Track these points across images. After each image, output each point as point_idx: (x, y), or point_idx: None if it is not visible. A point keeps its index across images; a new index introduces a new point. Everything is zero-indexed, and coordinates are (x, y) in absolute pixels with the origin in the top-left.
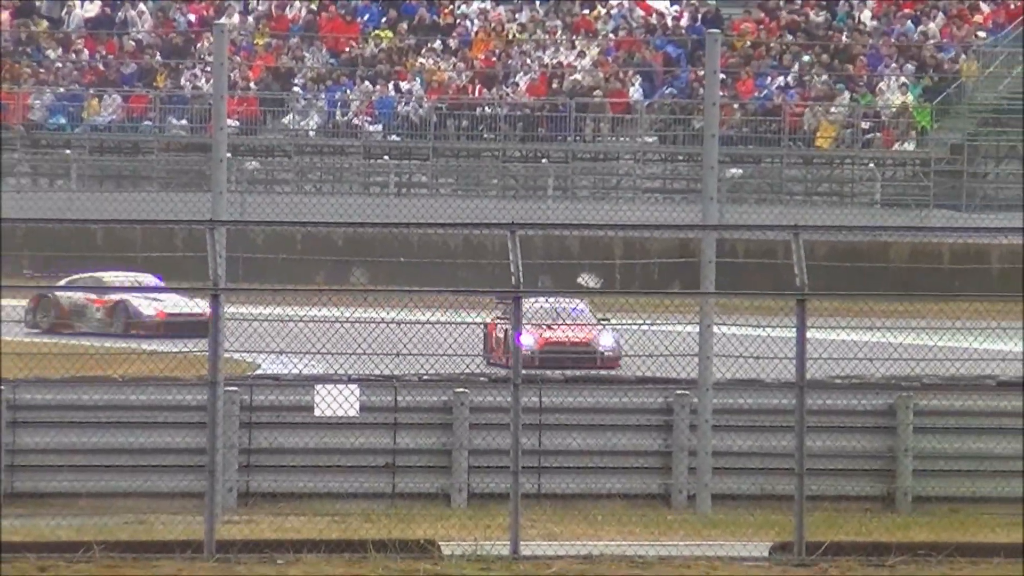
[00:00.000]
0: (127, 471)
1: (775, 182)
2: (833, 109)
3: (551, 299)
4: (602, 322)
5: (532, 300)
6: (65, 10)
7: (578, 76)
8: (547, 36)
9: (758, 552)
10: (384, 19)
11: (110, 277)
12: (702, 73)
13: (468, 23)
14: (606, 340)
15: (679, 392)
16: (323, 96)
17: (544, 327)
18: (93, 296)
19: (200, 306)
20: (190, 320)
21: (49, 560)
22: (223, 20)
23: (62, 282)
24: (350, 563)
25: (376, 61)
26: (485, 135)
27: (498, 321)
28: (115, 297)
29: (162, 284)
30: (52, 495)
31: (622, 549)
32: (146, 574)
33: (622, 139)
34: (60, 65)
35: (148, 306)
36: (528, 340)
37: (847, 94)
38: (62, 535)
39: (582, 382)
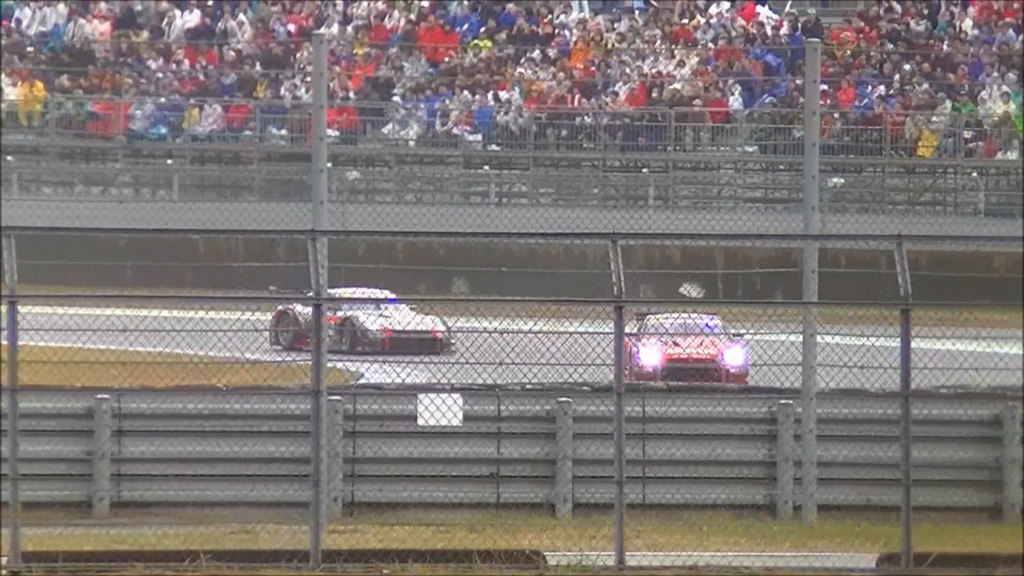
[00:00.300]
0: (232, 480)
1: (877, 191)
2: (934, 118)
3: (684, 315)
4: (734, 337)
5: (663, 316)
6: (165, 21)
7: (677, 85)
8: (646, 45)
9: (864, 563)
10: (483, 29)
11: (345, 293)
12: (802, 82)
13: (567, 32)
14: (734, 357)
15: (783, 402)
16: (422, 106)
17: (671, 343)
18: (331, 315)
19: (428, 323)
20: (416, 337)
21: (156, 569)
22: (322, 30)
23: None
24: (455, 573)
25: (475, 71)
26: (585, 144)
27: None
28: (342, 314)
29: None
30: (158, 504)
31: (727, 560)
32: None
33: (722, 148)
34: (160, 75)
35: (374, 323)
36: (652, 356)
37: (948, 103)
38: (169, 544)
39: (685, 391)
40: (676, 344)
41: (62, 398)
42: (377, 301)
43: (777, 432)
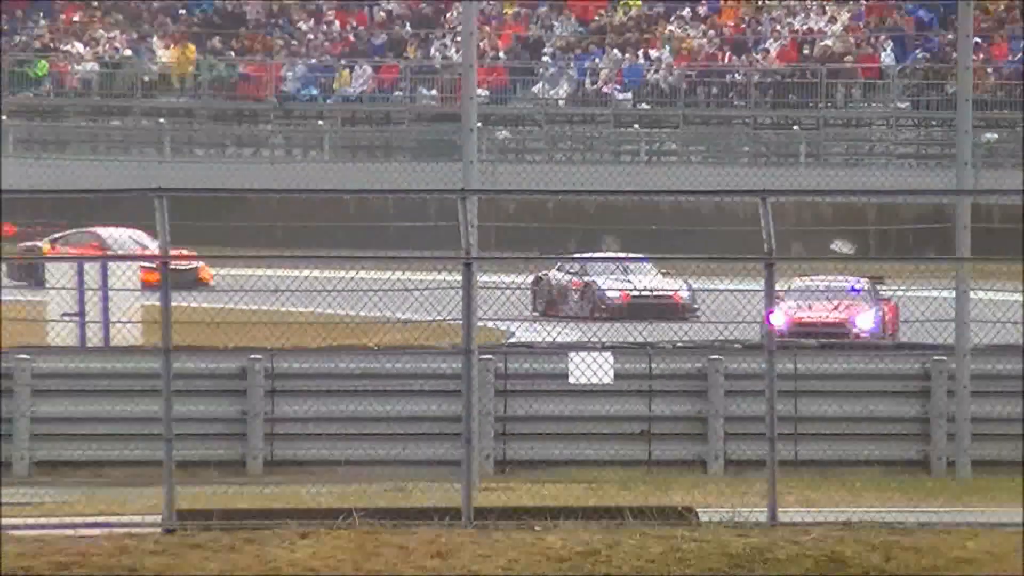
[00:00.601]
0: (384, 439)
1: None
2: None
3: (831, 277)
4: (878, 300)
5: (810, 277)
6: None
7: (829, 41)
8: (797, 2)
9: (1018, 518)
10: None
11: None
12: (954, 37)
13: None
14: (864, 322)
15: (936, 358)
16: (572, 65)
17: (804, 306)
18: (575, 279)
19: (666, 284)
20: (655, 303)
21: (310, 526)
22: None
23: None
24: (607, 530)
25: (625, 29)
26: (735, 102)
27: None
28: (588, 278)
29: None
30: (311, 463)
31: (881, 515)
32: (405, 540)
33: (874, 104)
34: (311, 37)
35: (614, 288)
36: (778, 319)
37: None
38: (322, 502)
39: (837, 348)
40: (809, 307)
41: (216, 358)
42: (584, 259)
43: (930, 388)
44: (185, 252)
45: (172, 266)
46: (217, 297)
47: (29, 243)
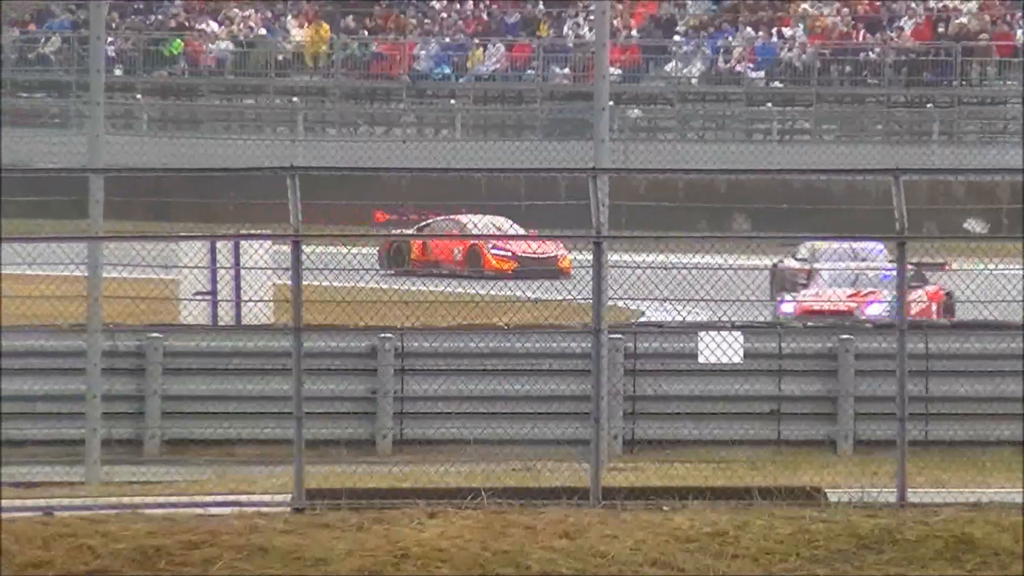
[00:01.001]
0: (513, 418)
1: None
2: None
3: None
4: (912, 285)
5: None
6: None
7: (963, 19)
8: None
9: None
10: None
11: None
12: None
13: None
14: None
15: None
16: (706, 43)
17: (819, 293)
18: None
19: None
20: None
21: (439, 505)
22: None
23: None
24: (735, 510)
25: (758, 7)
26: (869, 80)
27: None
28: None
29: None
30: (440, 442)
31: (1011, 496)
32: (533, 520)
33: (1009, 83)
34: (444, 15)
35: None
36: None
37: None
38: (450, 481)
39: (970, 328)
40: (817, 296)
41: (346, 337)
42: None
43: None
44: (548, 241)
45: (531, 255)
46: (348, 276)
47: (397, 231)
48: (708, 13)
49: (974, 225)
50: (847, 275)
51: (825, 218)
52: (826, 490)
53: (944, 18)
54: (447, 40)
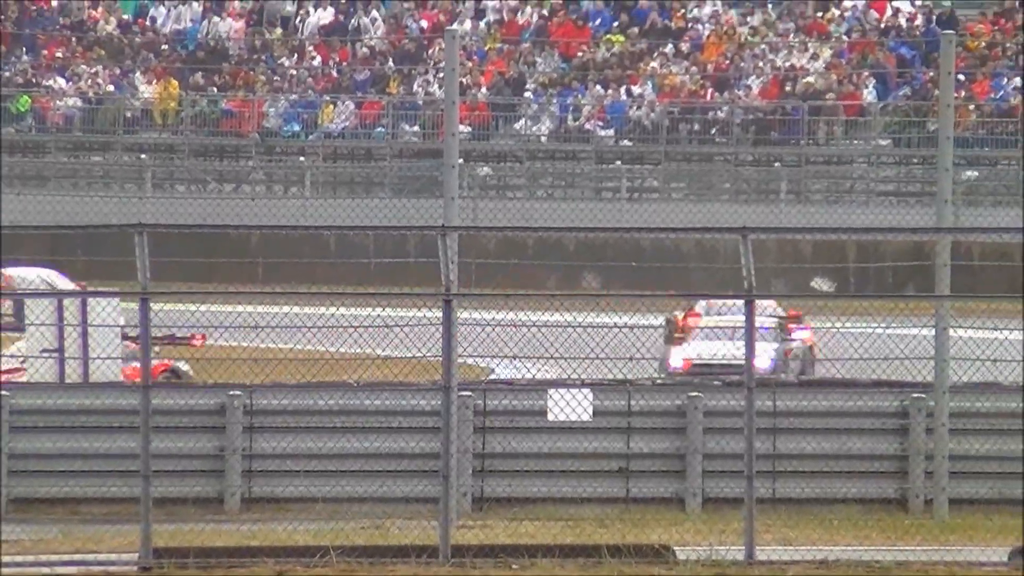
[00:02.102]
0: (363, 476)
1: (1011, 184)
2: None
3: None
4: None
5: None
6: (299, 18)
7: (811, 79)
8: (779, 39)
9: (997, 557)
10: (615, 24)
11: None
12: (936, 75)
13: (700, 27)
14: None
15: (915, 396)
16: (555, 101)
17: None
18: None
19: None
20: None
21: (287, 564)
22: (455, 26)
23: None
24: (584, 568)
25: (607, 65)
26: (717, 139)
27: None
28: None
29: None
30: (289, 500)
31: (858, 554)
32: None
33: (856, 142)
34: (294, 72)
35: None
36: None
37: None
38: (299, 540)
39: (816, 386)
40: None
41: (194, 394)
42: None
43: (909, 426)
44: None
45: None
46: (196, 333)
47: None
48: (557, 71)
49: (821, 283)
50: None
51: (676, 276)
52: (675, 548)
53: (792, 77)
54: (296, 97)
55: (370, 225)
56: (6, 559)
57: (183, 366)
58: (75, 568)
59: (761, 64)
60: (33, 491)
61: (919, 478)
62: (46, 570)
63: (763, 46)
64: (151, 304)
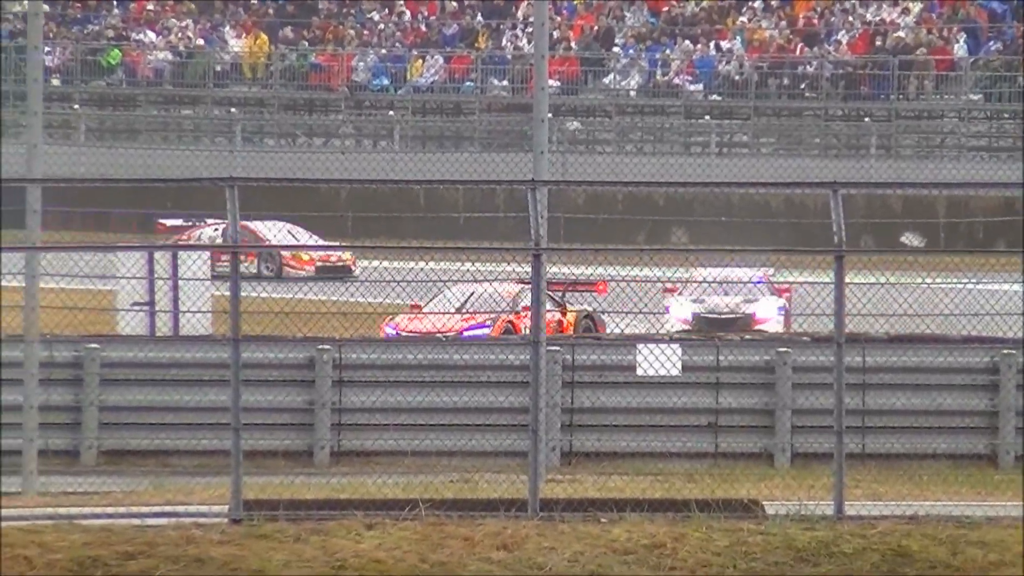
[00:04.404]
0: (452, 430)
1: None
2: None
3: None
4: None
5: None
6: None
7: (901, 33)
8: None
9: None
10: None
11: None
12: None
13: None
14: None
15: (1006, 351)
16: (644, 56)
17: (698, 301)
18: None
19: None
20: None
21: (376, 517)
22: None
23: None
24: (673, 522)
25: (696, 20)
26: (806, 94)
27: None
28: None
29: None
30: (378, 453)
31: (948, 509)
32: (470, 531)
33: (946, 97)
34: (383, 26)
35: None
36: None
37: None
38: (388, 493)
39: (907, 342)
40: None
41: (284, 348)
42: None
43: (999, 382)
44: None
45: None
46: (287, 287)
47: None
48: (646, 26)
49: (911, 239)
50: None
51: (764, 231)
52: (763, 503)
53: (882, 32)
54: (385, 51)
55: (459, 180)
56: (98, 510)
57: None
58: (166, 520)
59: (851, 18)
60: (124, 443)
61: (1010, 434)
62: (137, 521)
63: (853, 0)
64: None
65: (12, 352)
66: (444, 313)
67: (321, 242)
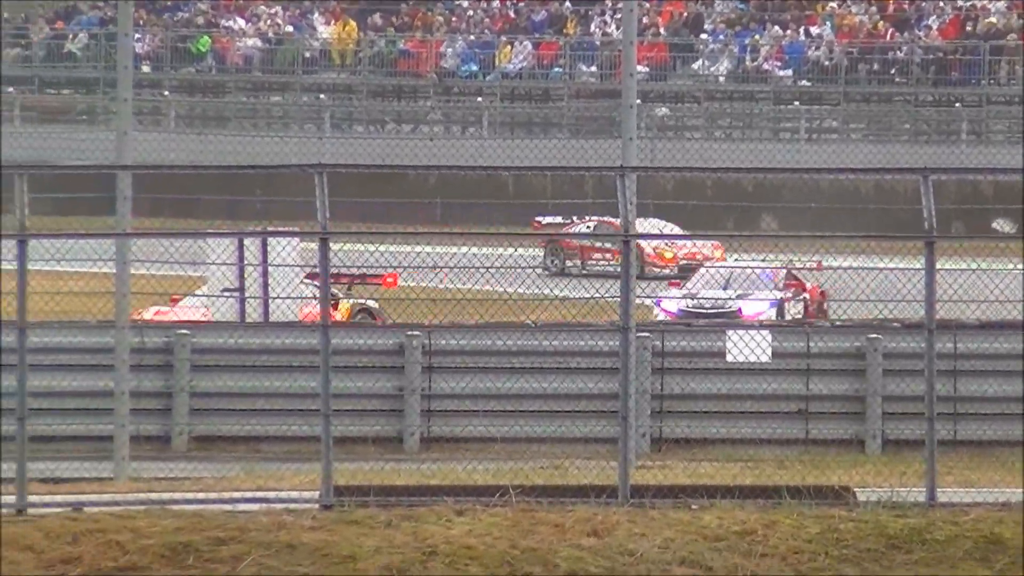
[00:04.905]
0: (541, 416)
1: None
2: None
3: (738, 266)
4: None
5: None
6: None
7: (992, 18)
8: None
9: None
10: None
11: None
12: None
13: None
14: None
15: None
16: (733, 41)
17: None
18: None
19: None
20: None
21: (466, 503)
22: None
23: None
24: (764, 508)
25: (786, 5)
26: (896, 79)
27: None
28: None
29: None
30: (468, 440)
31: None
32: (561, 518)
33: None
34: (471, 13)
35: None
36: (672, 305)
37: None
38: (478, 479)
39: (998, 328)
40: (694, 297)
41: (374, 335)
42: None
43: None
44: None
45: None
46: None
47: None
48: (736, 11)
49: (1002, 224)
50: (720, 278)
51: (853, 217)
52: (855, 489)
53: (972, 17)
54: (474, 38)
55: (548, 166)
56: (190, 496)
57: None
58: (257, 505)
59: (941, 3)
60: (215, 429)
61: None
62: (228, 507)
63: None
64: (330, 244)
65: (103, 338)
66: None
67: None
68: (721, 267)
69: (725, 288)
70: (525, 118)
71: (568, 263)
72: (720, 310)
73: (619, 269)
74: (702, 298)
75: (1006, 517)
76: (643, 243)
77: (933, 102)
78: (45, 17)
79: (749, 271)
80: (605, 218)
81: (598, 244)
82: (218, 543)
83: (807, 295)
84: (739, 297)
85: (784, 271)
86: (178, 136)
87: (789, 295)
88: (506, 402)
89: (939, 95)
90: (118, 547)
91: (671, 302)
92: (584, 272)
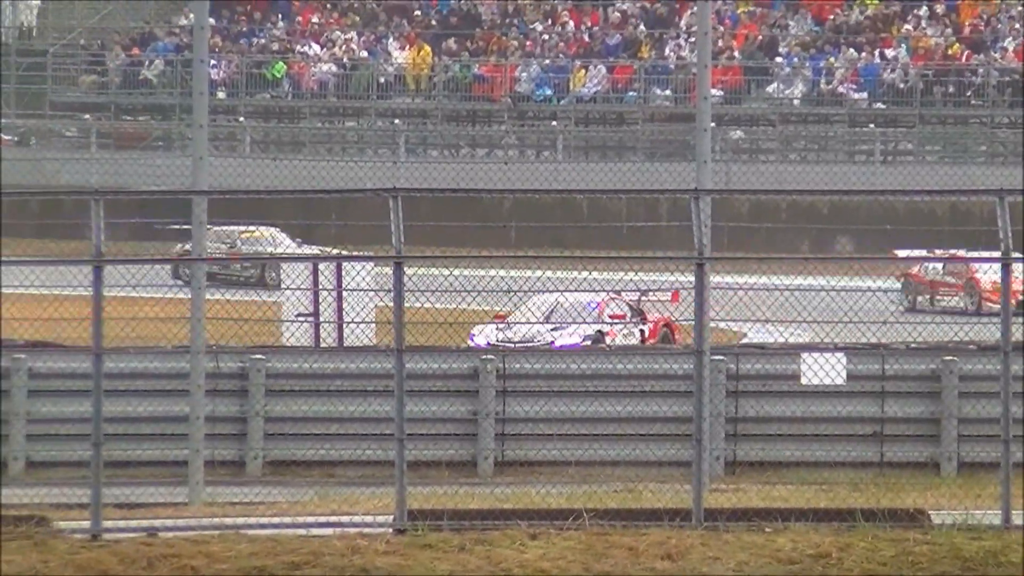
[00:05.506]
0: (615, 440)
1: None
2: None
3: (559, 296)
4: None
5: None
6: None
7: None
8: None
9: None
10: None
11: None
12: None
13: None
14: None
15: None
16: (808, 64)
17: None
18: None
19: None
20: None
21: (540, 527)
22: None
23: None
24: (838, 532)
25: (861, 28)
26: (972, 101)
27: None
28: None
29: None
30: (541, 463)
31: None
32: (635, 541)
33: None
34: (546, 37)
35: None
36: (481, 338)
37: None
38: (552, 503)
39: None
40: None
41: (447, 358)
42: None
43: None
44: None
45: None
46: (450, 298)
47: None
48: (810, 34)
49: None
50: (546, 307)
51: (929, 239)
52: (929, 512)
53: None
54: (548, 62)
55: (622, 189)
56: (264, 520)
57: None
58: (331, 529)
59: (1018, 25)
60: (290, 454)
61: None
62: (303, 531)
63: (1020, 7)
64: (404, 268)
65: (179, 363)
66: (531, 323)
67: None
68: (547, 297)
69: (548, 319)
70: (599, 142)
71: (919, 297)
72: (529, 344)
73: (963, 304)
74: (515, 330)
75: None
76: (979, 276)
77: (1009, 124)
78: (121, 44)
79: (574, 300)
80: (956, 251)
81: (947, 279)
82: (293, 568)
83: (645, 327)
84: (554, 330)
85: (613, 303)
86: (253, 161)
87: (614, 328)
88: (580, 425)
89: (1015, 117)
90: (192, 572)
91: (481, 336)
92: (930, 307)
